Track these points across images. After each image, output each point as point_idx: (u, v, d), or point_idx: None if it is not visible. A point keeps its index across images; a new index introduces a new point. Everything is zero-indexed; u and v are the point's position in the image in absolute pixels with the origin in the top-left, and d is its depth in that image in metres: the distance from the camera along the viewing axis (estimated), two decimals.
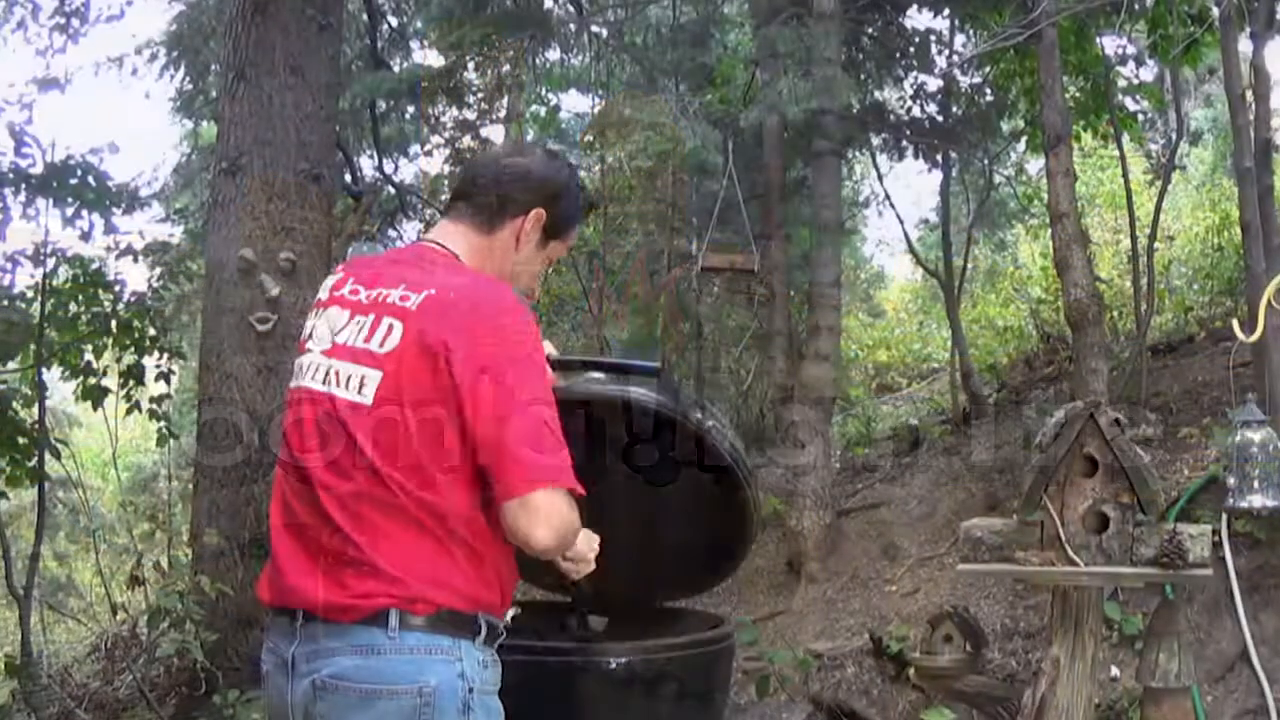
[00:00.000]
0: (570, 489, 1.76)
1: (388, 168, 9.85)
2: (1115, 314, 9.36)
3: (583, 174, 12.62)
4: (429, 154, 11.63)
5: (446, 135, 10.78)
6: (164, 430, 5.85)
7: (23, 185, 5.04)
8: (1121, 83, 8.41)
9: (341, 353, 1.85)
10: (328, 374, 1.85)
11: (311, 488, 1.81)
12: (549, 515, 1.73)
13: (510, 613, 1.92)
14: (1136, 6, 7.02)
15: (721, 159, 7.16)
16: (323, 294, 2.00)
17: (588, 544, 1.96)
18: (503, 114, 11.53)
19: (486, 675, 1.83)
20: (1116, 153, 8.59)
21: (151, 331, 5.57)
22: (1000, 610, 5.23)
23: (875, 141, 8.92)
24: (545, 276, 2.19)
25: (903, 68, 8.49)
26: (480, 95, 10.63)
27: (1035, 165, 10.64)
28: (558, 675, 2.26)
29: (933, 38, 8.34)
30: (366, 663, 1.74)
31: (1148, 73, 9.64)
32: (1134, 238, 7.66)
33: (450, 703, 1.75)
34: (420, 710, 1.72)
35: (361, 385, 1.80)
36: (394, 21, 9.77)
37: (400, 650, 1.74)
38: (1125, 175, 8.01)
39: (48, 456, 5.21)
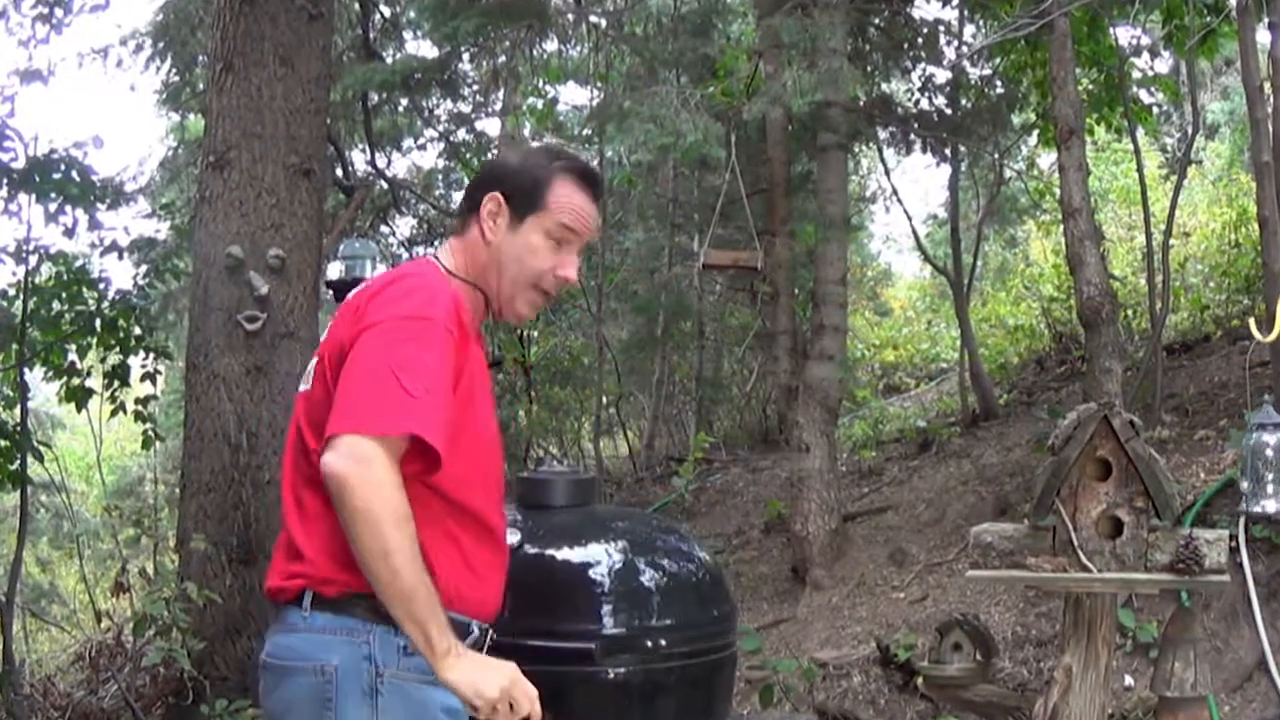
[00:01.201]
0: (388, 434, 1.73)
1: (380, 162, 9.87)
2: (1129, 313, 9.36)
3: None
4: (423, 148, 11.66)
5: (441, 129, 10.80)
6: (150, 432, 5.85)
7: (4, 180, 5.05)
8: (1136, 74, 8.42)
9: (317, 353, 2.02)
10: (306, 375, 2.01)
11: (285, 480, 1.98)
12: (349, 448, 1.72)
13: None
14: None
15: (724, 153, 7.16)
16: None
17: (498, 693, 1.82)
18: (498, 107, 11.54)
19: (411, 662, 1.82)
20: (1130, 147, 8.60)
21: (137, 330, 5.58)
22: (1011, 617, 5.23)
23: (882, 135, 8.92)
24: (582, 262, 2.14)
25: (910, 59, 8.49)
26: (475, 87, 10.65)
27: (1047, 159, 10.64)
28: (554, 685, 2.26)
29: (941, 28, 8.33)
30: (285, 640, 1.86)
31: (1163, 64, 9.66)
32: (1149, 234, 7.66)
33: (353, 684, 1.80)
34: (322, 688, 1.80)
35: (311, 374, 1.96)
36: (387, 11, 9.77)
37: (310, 629, 1.84)
38: (1140, 170, 8.01)
39: (30, 459, 5.22)
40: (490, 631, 2.04)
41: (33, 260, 5.30)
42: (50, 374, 5.58)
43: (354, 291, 1.99)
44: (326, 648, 1.81)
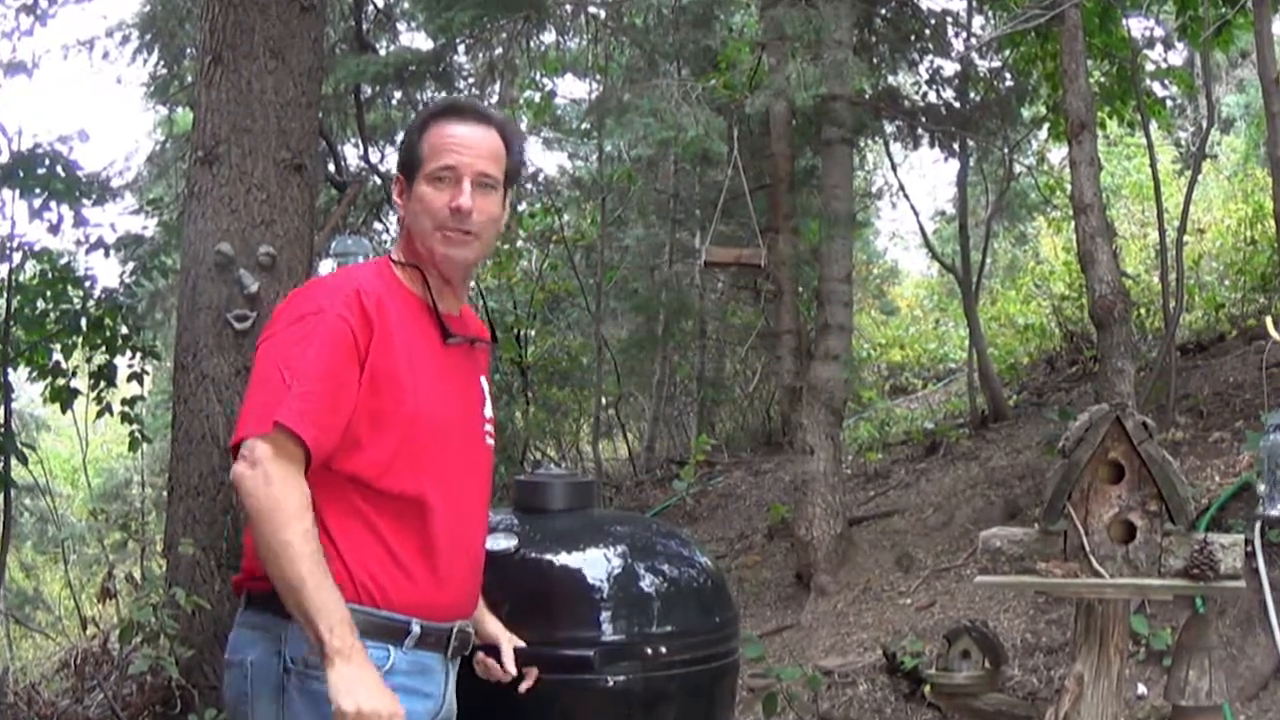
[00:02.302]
0: (267, 432, 1.85)
1: (373, 157, 9.83)
2: (1142, 311, 9.36)
3: (579, 163, 12.58)
4: None
5: None
6: (137, 434, 5.85)
7: None
8: (1149, 67, 8.42)
9: None
10: None
11: None
12: (247, 451, 1.86)
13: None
14: None
15: (726, 148, 7.16)
16: None
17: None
18: (495, 100, 11.54)
19: None
20: (1143, 141, 8.60)
21: (123, 330, 5.58)
22: (1021, 624, 5.23)
23: (888, 129, 8.93)
24: (508, 215, 2.22)
25: (918, 51, 8.50)
26: (471, 80, 10.64)
27: (1058, 154, 10.64)
28: (552, 693, 2.26)
29: (949, 19, 8.35)
30: (231, 635, 2.02)
31: (1176, 56, 9.68)
32: (1162, 231, 7.66)
33: (264, 680, 1.92)
34: (243, 683, 1.94)
35: None
36: (380, 2, 9.77)
37: (243, 625, 1.99)
38: (1153, 165, 8.01)
39: (14, 462, 5.22)
40: (457, 630, 2.04)
41: (16, 258, 5.31)
42: (34, 374, 5.58)
43: None
44: (249, 643, 1.95)
